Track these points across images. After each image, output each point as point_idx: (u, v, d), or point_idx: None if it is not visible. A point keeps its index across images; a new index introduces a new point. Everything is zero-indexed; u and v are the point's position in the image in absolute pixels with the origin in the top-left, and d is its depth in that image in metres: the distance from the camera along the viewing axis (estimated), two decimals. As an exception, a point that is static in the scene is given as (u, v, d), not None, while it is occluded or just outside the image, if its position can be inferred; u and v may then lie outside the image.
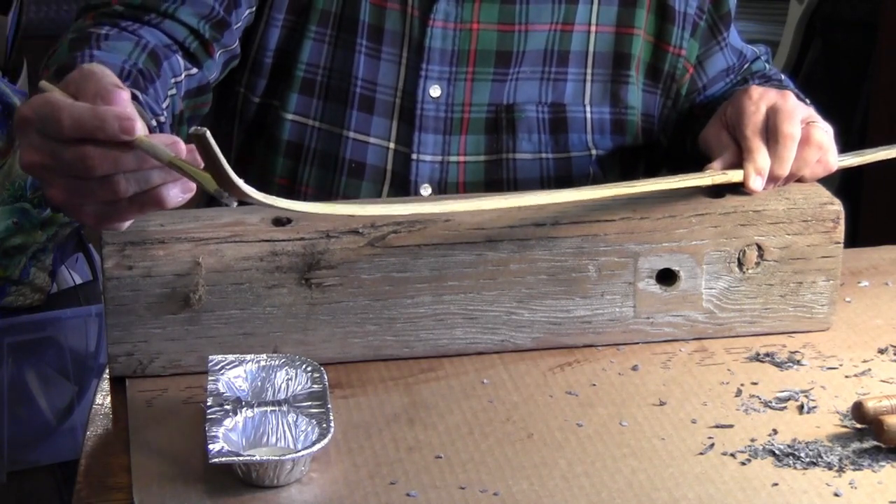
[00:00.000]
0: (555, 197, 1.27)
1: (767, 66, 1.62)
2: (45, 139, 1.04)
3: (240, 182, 1.03)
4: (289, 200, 1.08)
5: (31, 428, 2.28)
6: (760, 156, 1.34)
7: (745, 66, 1.60)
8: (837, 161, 1.40)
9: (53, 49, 1.27)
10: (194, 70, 1.36)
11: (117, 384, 1.25)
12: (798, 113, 1.36)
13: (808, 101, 1.45)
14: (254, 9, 1.44)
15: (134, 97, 1.13)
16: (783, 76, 1.61)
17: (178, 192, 1.06)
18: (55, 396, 2.29)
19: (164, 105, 1.27)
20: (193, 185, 1.06)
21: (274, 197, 1.07)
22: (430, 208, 1.24)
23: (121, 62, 1.22)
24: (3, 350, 2.22)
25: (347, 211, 1.18)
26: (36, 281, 2.26)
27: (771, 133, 1.35)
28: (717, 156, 1.38)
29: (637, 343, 1.34)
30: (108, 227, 1.11)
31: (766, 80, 1.57)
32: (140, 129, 1.02)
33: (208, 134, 1.00)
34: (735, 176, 1.34)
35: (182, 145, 1.04)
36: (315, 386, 1.17)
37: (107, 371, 1.27)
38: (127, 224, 1.12)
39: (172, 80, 1.30)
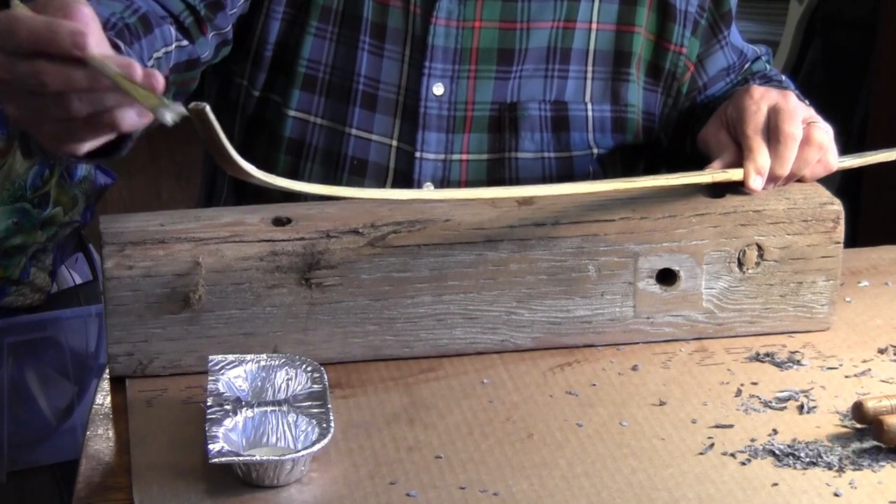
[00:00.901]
0: (555, 189, 1.28)
1: (768, 66, 1.62)
2: (2, 53, 1.02)
3: (240, 160, 1.02)
4: (290, 180, 1.08)
5: (31, 428, 2.27)
6: (761, 155, 1.34)
7: (746, 65, 1.59)
8: (838, 161, 1.40)
9: None
10: (185, 42, 1.35)
11: (117, 384, 1.25)
12: (799, 113, 1.36)
13: (807, 101, 1.45)
14: None
15: (115, 47, 1.10)
16: (784, 76, 1.61)
17: (133, 116, 1.03)
18: (55, 396, 2.29)
19: (149, 64, 1.25)
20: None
21: (274, 176, 1.06)
22: (431, 196, 1.24)
23: (108, 14, 1.21)
24: (3, 350, 2.22)
25: (348, 193, 1.17)
26: (36, 281, 2.26)
27: (772, 133, 1.35)
28: (716, 155, 1.38)
29: (637, 343, 1.34)
30: (66, 149, 1.07)
31: (767, 80, 1.57)
32: (93, 45, 1.00)
33: (208, 109, 0.98)
34: (735, 174, 1.34)
35: (138, 69, 1.00)
36: (315, 386, 1.17)
37: (107, 371, 1.27)
38: (86, 147, 1.08)
39: (163, 48, 1.28)
